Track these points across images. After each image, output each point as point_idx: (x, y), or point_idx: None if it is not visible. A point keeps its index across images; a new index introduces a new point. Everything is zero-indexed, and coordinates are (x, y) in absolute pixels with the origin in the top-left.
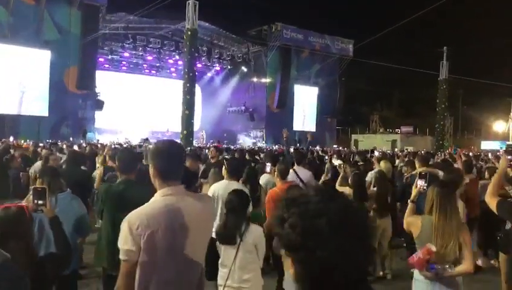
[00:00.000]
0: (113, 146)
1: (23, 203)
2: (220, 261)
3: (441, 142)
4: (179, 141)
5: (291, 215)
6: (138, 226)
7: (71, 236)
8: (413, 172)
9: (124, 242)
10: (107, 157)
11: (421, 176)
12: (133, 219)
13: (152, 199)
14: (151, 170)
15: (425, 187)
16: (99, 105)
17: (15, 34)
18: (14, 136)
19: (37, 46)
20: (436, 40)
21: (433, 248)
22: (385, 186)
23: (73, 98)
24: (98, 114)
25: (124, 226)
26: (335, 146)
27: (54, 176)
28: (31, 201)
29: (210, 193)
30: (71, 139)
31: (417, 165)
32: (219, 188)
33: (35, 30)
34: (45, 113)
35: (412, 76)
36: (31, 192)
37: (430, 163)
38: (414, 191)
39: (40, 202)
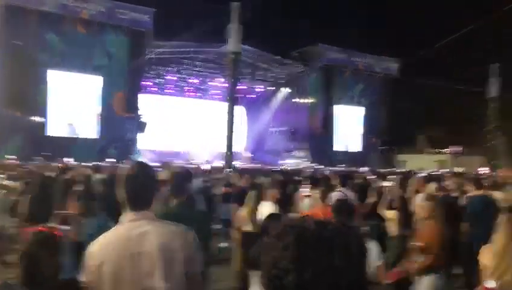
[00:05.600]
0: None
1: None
2: None
3: (492, 162)
4: (223, 161)
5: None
6: (91, 256)
7: None
8: (469, 194)
9: (83, 273)
10: None
11: None
12: (89, 248)
13: (115, 227)
14: (119, 195)
15: None
16: (141, 127)
17: (67, 61)
18: (65, 158)
19: (88, 72)
20: (486, 56)
21: (491, 285)
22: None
23: (121, 121)
24: (143, 136)
25: (85, 256)
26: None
27: (89, 199)
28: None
29: None
30: (110, 160)
31: (472, 188)
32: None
33: (86, 57)
34: (95, 136)
35: (460, 94)
36: (55, 218)
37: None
38: None
39: (65, 227)
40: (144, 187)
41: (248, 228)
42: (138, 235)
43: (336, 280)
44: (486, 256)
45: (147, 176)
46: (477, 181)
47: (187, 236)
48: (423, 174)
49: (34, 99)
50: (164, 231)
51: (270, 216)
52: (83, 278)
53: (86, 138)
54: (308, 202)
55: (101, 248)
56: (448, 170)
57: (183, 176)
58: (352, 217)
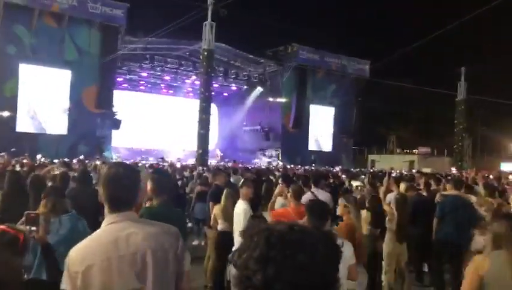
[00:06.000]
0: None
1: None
2: None
3: (459, 163)
4: (194, 159)
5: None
6: (74, 262)
7: None
8: (444, 192)
9: (63, 281)
10: None
11: None
12: (71, 254)
13: (97, 230)
14: (101, 196)
15: None
16: (117, 124)
17: (37, 55)
18: (33, 155)
19: (58, 66)
20: (454, 59)
21: None
22: (406, 210)
23: (92, 117)
24: (115, 133)
25: (65, 262)
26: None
27: (59, 196)
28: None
29: None
30: (81, 157)
31: (448, 188)
32: None
33: (56, 51)
34: (64, 132)
35: (430, 96)
36: (23, 218)
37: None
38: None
39: (33, 228)
40: (126, 188)
41: (222, 226)
42: (126, 237)
43: (299, 279)
44: (483, 266)
45: (130, 177)
46: (457, 181)
47: (175, 235)
48: (394, 174)
49: (2, 93)
50: (152, 230)
51: (253, 218)
52: (63, 286)
53: (55, 134)
54: (280, 201)
55: (85, 252)
56: (417, 170)
57: (164, 176)
58: (325, 217)
